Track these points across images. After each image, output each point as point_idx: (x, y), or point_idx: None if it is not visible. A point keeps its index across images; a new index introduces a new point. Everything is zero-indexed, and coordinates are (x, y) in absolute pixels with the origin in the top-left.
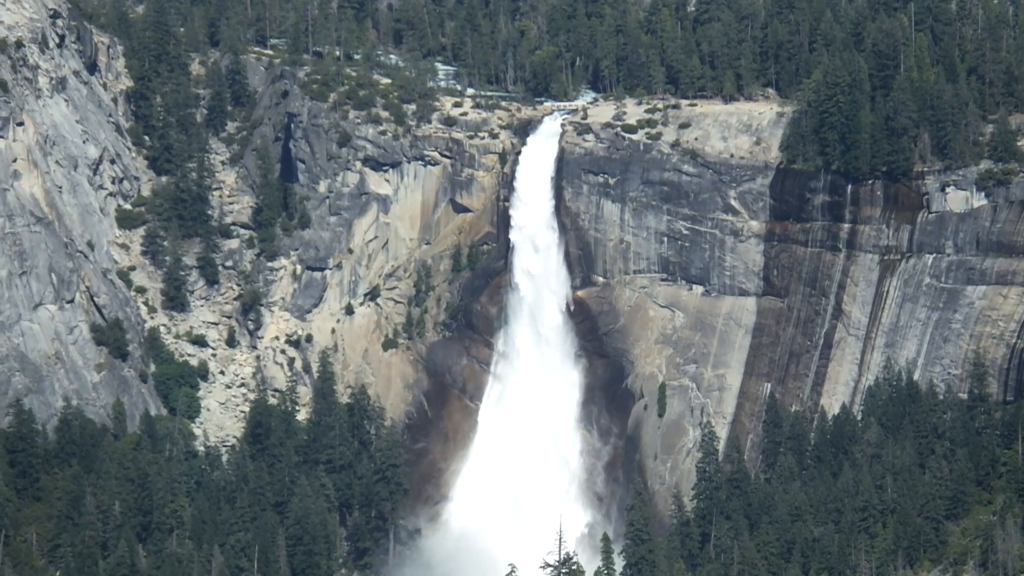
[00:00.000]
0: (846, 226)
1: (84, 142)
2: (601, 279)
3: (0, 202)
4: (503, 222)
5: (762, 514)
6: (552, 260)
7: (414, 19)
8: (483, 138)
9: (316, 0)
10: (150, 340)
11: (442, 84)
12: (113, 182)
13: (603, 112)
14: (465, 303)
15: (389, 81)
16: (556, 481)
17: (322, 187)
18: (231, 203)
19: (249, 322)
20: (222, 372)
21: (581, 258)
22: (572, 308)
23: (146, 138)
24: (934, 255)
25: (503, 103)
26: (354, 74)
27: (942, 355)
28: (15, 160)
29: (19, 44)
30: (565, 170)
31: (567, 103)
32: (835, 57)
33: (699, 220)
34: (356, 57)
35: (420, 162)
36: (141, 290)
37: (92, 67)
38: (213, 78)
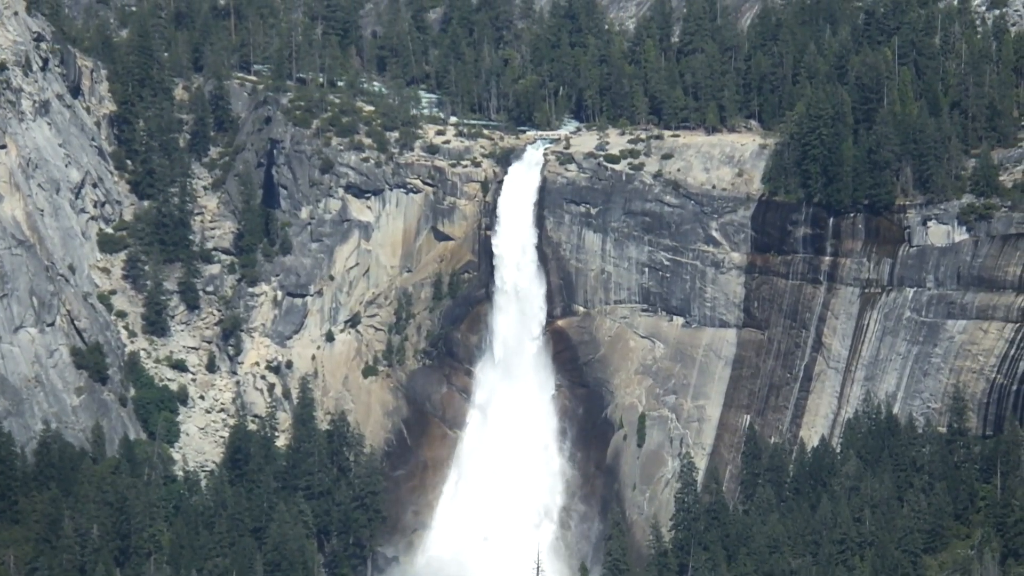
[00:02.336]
0: (827, 259)
1: (66, 165)
2: (582, 309)
3: None
4: (484, 251)
5: (740, 545)
6: (533, 289)
7: (398, 47)
8: (466, 166)
9: (300, 26)
10: (130, 364)
11: (425, 112)
12: (95, 206)
13: (586, 142)
14: (446, 331)
15: (372, 108)
16: (534, 510)
17: (304, 213)
18: (213, 228)
19: (229, 347)
20: (202, 397)
21: (562, 287)
22: (552, 337)
23: (128, 162)
24: (915, 289)
25: (486, 132)
26: (337, 101)
27: (922, 389)
28: None
29: (2, 67)
30: (547, 199)
31: (550, 132)
32: (818, 90)
33: (680, 251)
34: (339, 84)
35: (402, 190)
36: (122, 314)
37: (75, 91)
38: (196, 103)
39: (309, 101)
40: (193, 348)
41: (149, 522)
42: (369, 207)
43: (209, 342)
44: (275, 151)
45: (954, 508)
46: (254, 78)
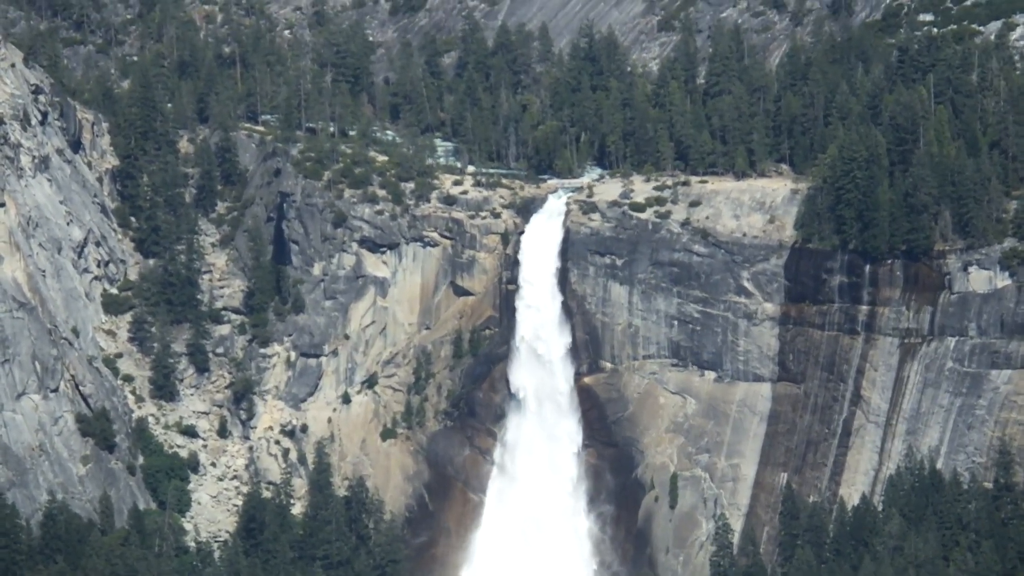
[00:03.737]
0: (864, 308)
1: (68, 224)
2: (609, 365)
3: None
4: (506, 305)
5: None
6: (558, 345)
7: (411, 93)
8: (484, 217)
9: (309, 74)
10: (138, 431)
11: (441, 161)
12: (98, 265)
13: (610, 190)
14: (467, 391)
15: (386, 158)
16: None
17: (317, 270)
18: (222, 287)
19: (241, 411)
20: (213, 464)
21: (588, 343)
22: (579, 395)
23: (132, 219)
24: (956, 338)
25: (505, 181)
26: (349, 151)
27: (966, 442)
28: None
29: (0, 121)
30: (570, 251)
31: (572, 180)
32: (851, 131)
33: (711, 303)
34: (351, 133)
35: (419, 243)
36: (128, 378)
37: (76, 145)
38: (202, 156)
39: (320, 152)
40: (203, 413)
41: None
42: (384, 262)
43: (220, 406)
44: (285, 205)
45: (1002, 567)
46: (262, 129)
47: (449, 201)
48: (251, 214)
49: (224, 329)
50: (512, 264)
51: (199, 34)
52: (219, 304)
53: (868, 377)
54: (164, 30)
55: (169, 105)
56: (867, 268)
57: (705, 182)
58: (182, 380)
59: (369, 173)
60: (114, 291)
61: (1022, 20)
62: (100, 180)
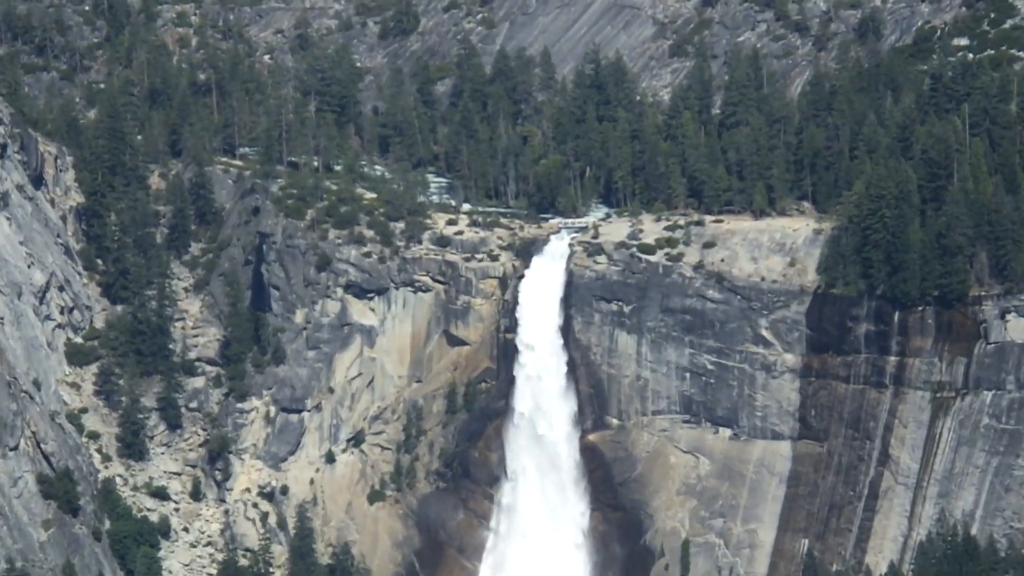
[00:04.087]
0: (893, 359)
1: (29, 267)
2: (615, 421)
3: None
4: (504, 356)
5: None
6: (560, 400)
7: (402, 124)
8: (481, 260)
9: (291, 104)
10: (104, 493)
11: (434, 199)
12: (62, 312)
13: (617, 230)
14: (462, 449)
15: (374, 196)
16: None
17: (298, 317)
18: (195, 336)
19: (216, 472)
20: (186, 529)
21: (593, 397)
22: (583, 454)
23: (99, 262)
24: (993, 392)
25: (503, 220)
26: (334, 187)
27: (1003, 506)
28: None
29: None
30: (574, 296)
31: (576, 220)
32: (879, 166)
33: (726, 353)
34: (337, 168)
35: (410, 288)
36: (94, 436)
37: (38, 180)
38: (175, 193)
39: (302, 188)
40: (175, 473)
41: None
42: (372, 309)
43: (193, 466)
44: (265, 246)
45: None
46: (240, 163)
47: (443, 242)
48: (227, 256)
49: (198, 382)
50: (511, 311)
51: (172, 59)
52: (192, 355)
53: (897, 435)
54: (134, 55)
55: (139, 137)
56: (896, 316)
57: (720, 221)
58: (152, 437)
59: (356, 212)
60: (79, 340)
61: None
62: (64, 219)
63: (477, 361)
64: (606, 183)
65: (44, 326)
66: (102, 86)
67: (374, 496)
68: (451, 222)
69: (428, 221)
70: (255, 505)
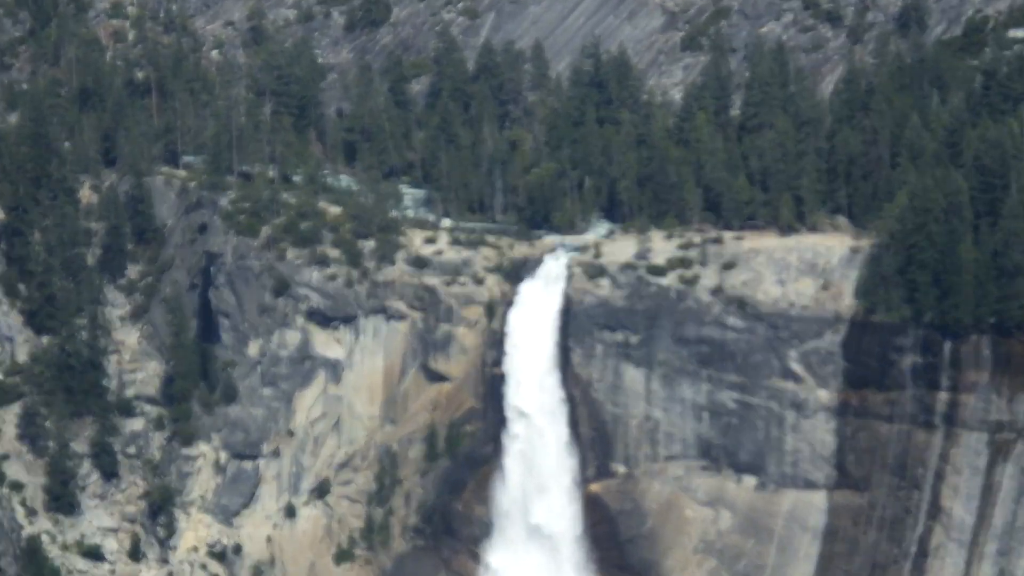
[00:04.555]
0: (944, 396)
1: None
2: (622, 468)
3: None
4: (492, 394)
5: None
6: (557, 444)
7: (371, 128)
8: (464, 284)
9: (243, 105)
10: (29, 552)
11: (409, 213)
12: None
13: (622, 249)
14: (443, 501)
15: (339, 210)
16: None
17: (252, 349)
18: (133, 371)
19: (159, 528)
20: None
21: (595, 441)
22: (585, 507)
23: (21, 287)
24: None
25: (490, 238)
26: (293, 201)
27: None
28: None
29: None
30: (573, 325)
31: (574, 237)
32: (925, 175)
33: (750, 390)
34: (296, 179)
35: (381, 316)
36: (17, 486)
37: None
38: (109, 208)
39: (256, 202)
40: (111, 529)
41: None
42: (338, 340)
43: (132, 521)
44: (213, 268)
45: None
46: (184, 173)
47: (419, 264)
48: (170, 280)
49: (137, 424)
50: (499, 342)
51: (105, 56)
52: (130, 393)
53: (949, 483)
54: (62, 51)
55: (68, 144)
56: (947, 346)
57: (741, 239)
58: (84, 488)
59: (319, 228)
60: None
61: None
62: None
63: (460, 400)
64: (609, 195)
65: None
66: (25, 86)
67: (342, 556)
68: (429, 240)
69: (402, 239)
70: (203, 566)
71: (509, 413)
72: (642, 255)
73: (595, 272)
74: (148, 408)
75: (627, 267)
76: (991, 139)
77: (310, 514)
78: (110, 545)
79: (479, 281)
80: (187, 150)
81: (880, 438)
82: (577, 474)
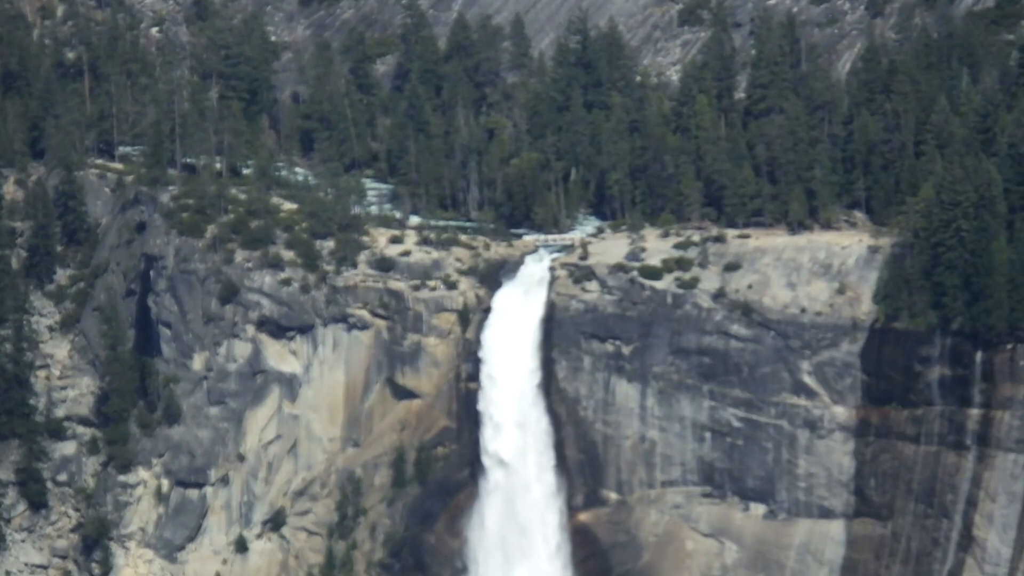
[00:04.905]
0: (976, 412)
1: None
2: (613, 496)
3: None
4: (466, 412)
5: None
6: (540, 468)
7: (331, 114)
8: (435, 289)
9: (186, 89)
10: None
11: (373, 210)
12: None
13: (612, 249)
14: (412, 533)
15: (295, 207)
16: None
17: (197, 363)
18: (64, 388)
19: (93, 564)
20: None
21: (584, 464)
22: (572, 538)
23: None
24: None
25: (463, 237)
26: (243, 196)
27: None
28: None
29: None
30: (557, 335)
31: (559, 236)
32: (954, 164)
33: (757, 406)
34: (246, 171)
35: (342, 325)
36: None
37: None
38: (35, 204)
39: (202, 198)
40: (40, 566)
41: None
42: (293, 352)
43: (64, 557)
44: (153, 272)
45: None
46: (120, 166)
47: (384, 266)
48: (104, 286)
49: (68, 448)
50: (474, 354)
51: (31, 33)
52: (60, 412)
53: (982, 510)
54: None
55: None
56: (978, 356)
57: (747, 237)
58: (9, 520)
59: (271, 227)
60: None
61: None
62: None
63: (431, 419)
64: (597, 188)
65: None
66: None
67: None
68: (395, 240)
69: (365, 239)
70: None
71: (486, 433)
72: (635, 256)
73: (582, 275)
74: (80, 430)
75: (618, 269)
76: None
77: (263, 548)
78: None
79: (452, 285)
80: (124, 140)
81: (904, 460)
82: (563, 503)
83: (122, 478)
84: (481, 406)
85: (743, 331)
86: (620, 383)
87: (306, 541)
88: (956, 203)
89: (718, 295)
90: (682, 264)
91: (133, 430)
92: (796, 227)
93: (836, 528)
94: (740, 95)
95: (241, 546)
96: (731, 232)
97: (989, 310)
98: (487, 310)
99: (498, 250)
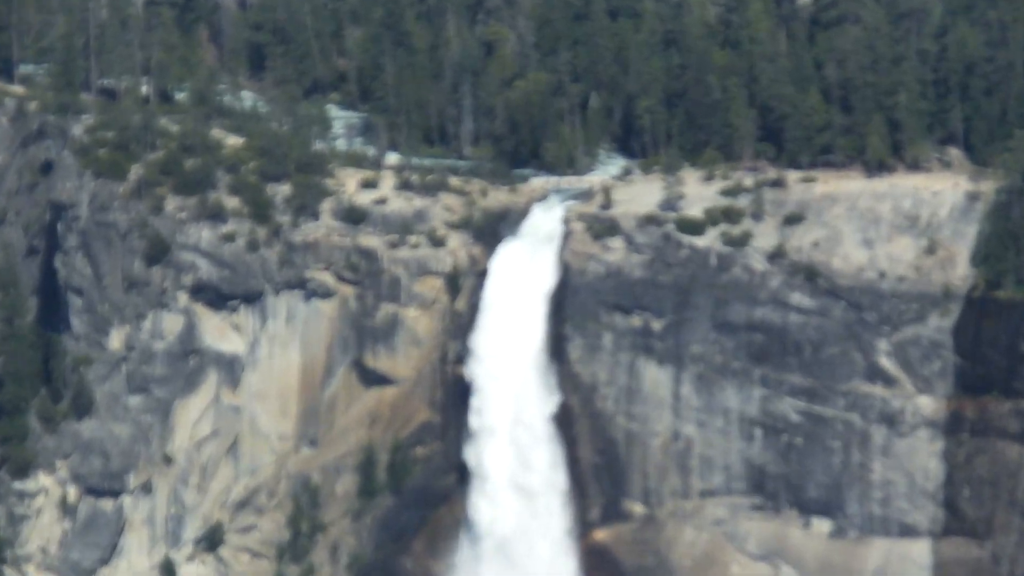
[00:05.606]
0: None
1: None
2: (639, 508)
3: None
4: (453, 403)
5: None
6: (547, 472)
7: (287, 25)
8: (417, 247)
9: None
10: None
11: (340, 146)
12: None
13: (642, 196)
14: (385, 555)
15: (241, 141)
16: None
17: (115, 341)
18: None
19: None
20: None
21: (601, 469)
22: (587, 560)
23: None
24: None
25: (454, 181)
26: (176, 129)
27: None
28: None
29: None
30: (571, 305)
31: (574, 179)
32: None
33: (822, 396)
34: (180, 96)
35: (299, 292)
36: None
37: None
38: None
39: (124, 131)
40: None
41: None
42: (236, 326)
43: None
44: (61, 226)
45: None
46: (20, 90)
47: (354, 217)
48: (0, 243)
49: None
50: (465, 330)
51: None
52: None
53: None
54: None
55: None
56: None
57: (812, 181)
58: None
59: (211, 167)
60: None
61: None
62: None
63: (409, 411)
64: (624, 118)
65: None
66: None
67: None
68: (368, 184)
69: (330, 183)
70: None
71: (479, 430)
72: (671, 205)
73: (603, 229)
74: None
75: (649, 222)
76: None
77: (196, 573)
78: None
79: (438, 242)
80: (25, 57)
81: (1007, 464)
82: (575, 517)
83: (18, 485)
84: (473, 395)
85: (806, 301)
86: (649, 367)
87: (249, 564)
88: None
89: (775, 255)
90: (730, 216)
91: (33, 425)
92: (875, 168)
93: (920, 549)
94: (805, 1)
95: (168, 570)
96: (793, 175)
97: None
98: (483, 274)
99: (498, 197)
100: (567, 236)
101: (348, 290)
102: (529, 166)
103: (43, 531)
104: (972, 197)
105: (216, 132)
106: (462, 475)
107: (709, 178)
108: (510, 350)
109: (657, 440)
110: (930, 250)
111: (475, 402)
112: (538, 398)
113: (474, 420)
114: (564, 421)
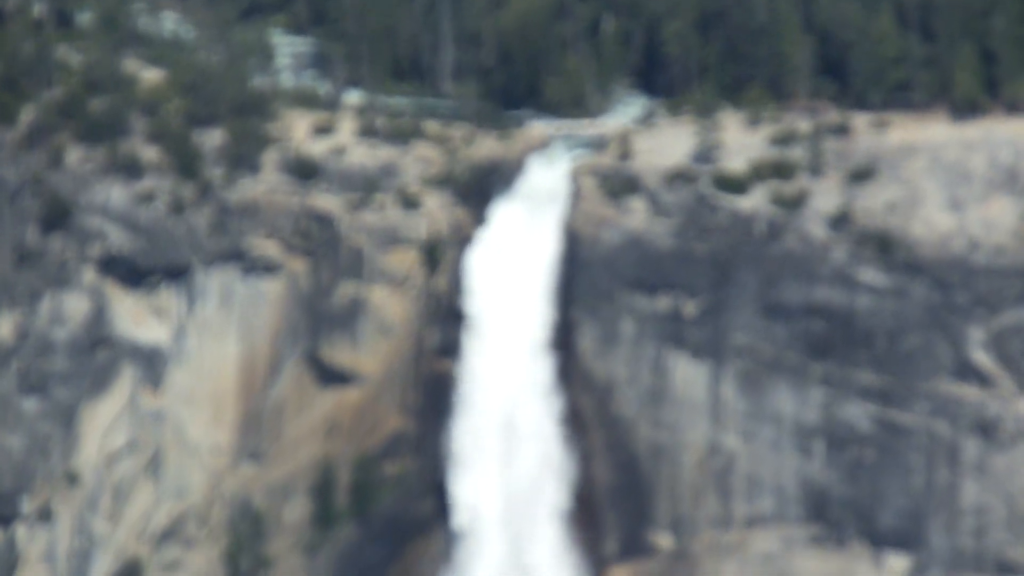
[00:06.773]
0: None
1: None
2: (666, 540)
3: None
4: (433, 408)
5: None
6: (550, 497)
7: None
8: (384, 209)
9: None
10: None
11: (287, 81)
12: None
13: (670, 145)
14: None
15: (160, 75)
16: None
17: (3, 327)
18: None
19: None
20: None
21: (620, 491)
22: None
23: None
24: None
25: (431, 126)
26: (79, 60)
27: None
28: None
29: None
30: (581, 282)
31: (583, 124)
32: None
33: (899, 399)
34: (84, 19)
35: (236, 267)
36: None
37: None
38: None
39: (11, 64)
40: None
41: None
42: (157, 310)
43: None
44: None
45: None
46: None
47: (305, 172)
48: None
49: None
50: (445, 313)
51: None
52: None
53: None
54: None
55: None
56: None
57: (885, 127)
58: None
59: (124, 108)
60: None
61: None
62: None
63: (376, 418)
64: (646, 47)
65: None
66: None
67: None
68: (322, 129)
69: (274, 128)
70: None
71: (463, 441)
72: (706, 156)
73: (621, 187)
74: None
75: (679, 178)
76: None
77: None
78: None
79: (411, 203)
80: None
81: None
82: (587, 552)
83: None
84: (457, 397)
85: (879, 279)
86: (680, 361)
87: None
88: None
89: (839, 220)
90: (782, 170)
91: None
92: (964, 111)
93: None
94: None
95: None
96: (860, 119)
97: None
98: (468, 242)
99: (486, 146)
100: (575, 196)
101: (298, 264)
102: (526, 107)
103: None
104: None
105: (129, 64)
106: (441, 500)
107: (754, 122)
108: (503, 340)
109: (690, 455)
110: None
111: (459, 407)
112: (540, 399)
113: (457, 429)
114: (573, 430)
